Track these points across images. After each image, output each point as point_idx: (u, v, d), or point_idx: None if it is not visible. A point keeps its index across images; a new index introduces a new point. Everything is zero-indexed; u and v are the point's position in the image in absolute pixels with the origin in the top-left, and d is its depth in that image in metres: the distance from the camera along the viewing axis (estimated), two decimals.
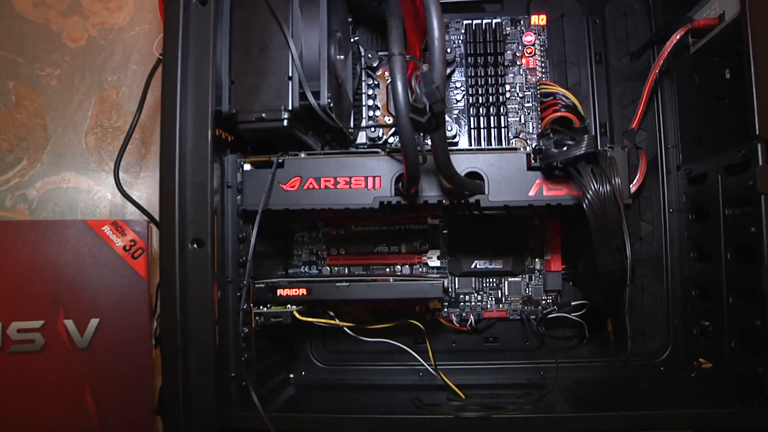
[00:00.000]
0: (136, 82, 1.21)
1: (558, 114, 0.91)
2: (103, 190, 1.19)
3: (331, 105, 0.74)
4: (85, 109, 1.20)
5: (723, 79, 0.92)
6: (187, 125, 0.71)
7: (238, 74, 0.74)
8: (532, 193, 0.75)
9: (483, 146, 0.91)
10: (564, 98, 0.91)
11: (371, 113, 0.97)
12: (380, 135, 0.95)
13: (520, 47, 0.97)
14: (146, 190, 1.18)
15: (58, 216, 1.17)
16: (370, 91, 0.97)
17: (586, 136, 0.69)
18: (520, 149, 0.76)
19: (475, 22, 0.96)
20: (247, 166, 0.80)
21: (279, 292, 0.83)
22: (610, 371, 0.93)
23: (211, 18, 0.71)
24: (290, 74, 0.73)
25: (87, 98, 1.20)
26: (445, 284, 0.80)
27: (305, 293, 0.82)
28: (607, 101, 0.97)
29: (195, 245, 0.70)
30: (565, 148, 0.70)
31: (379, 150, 0.78)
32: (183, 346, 0.71)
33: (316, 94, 0.73)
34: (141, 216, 1.04)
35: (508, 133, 0.92)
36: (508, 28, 0.97)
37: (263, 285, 0.82)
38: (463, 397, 0.86)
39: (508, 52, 0.96)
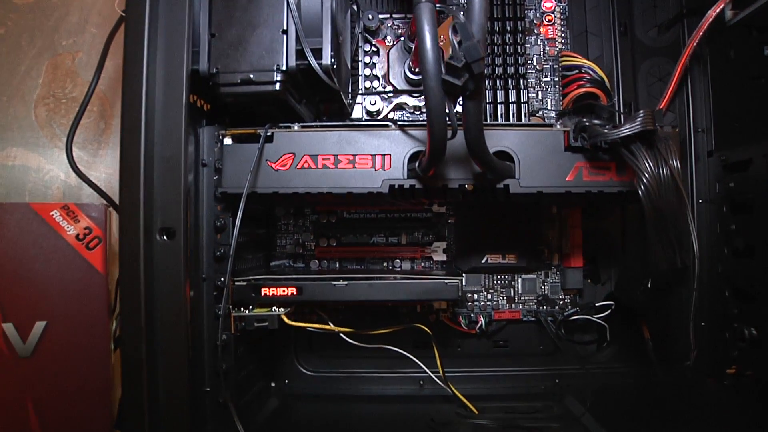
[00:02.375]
0: (96, 47, 1.06)
1: (584, 89, 0.80)
2: (55, 169, 1.04)
3: (335, 66, 0.62)
4: (34, 77, 1.04)
5: (761, 57, 0.83)
6: (155, 87, 0.57)
7: (221, 25, 0.61)
8: (570, 177, 0.64)
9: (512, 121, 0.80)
10: (591, 71, 0.80)
11: (368, 84, 0.84)
12: (380, 109, 0.82)
13: (538, 14, 0.86)
14: (105, 169, 1.03)
15: (2, 198, 1.02)
16: (368, 59, 0.85)
17: (641, 111, 0.58)
18: (556, 125, 0.65)
19: None
20: (227, 140, 0.66)
21: (263, 291, 0.70)
22: (631, 378, 0.83)
23: None
24: (285, 26, 0.60)
25: (37, 64, 1.04)
26: (462, 284, 0.69)
27: (295, 293, 0.69)
28: (632, 78, 0.87)
29: (164, 236, 0.57)
30: (610, 126, 0.58)
31: (389, 123, 0.65)
32: (149, 356, 0.58)
33: (317, 53, 0.60)
34: (99, 199, 0.90)
35: (528, 109, 0.81)
36: None
37: (244, 283, 0.70)
38: (476, 412, 0.75)
39: (526, 19, 0.84)
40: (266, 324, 0.69)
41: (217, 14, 0.61)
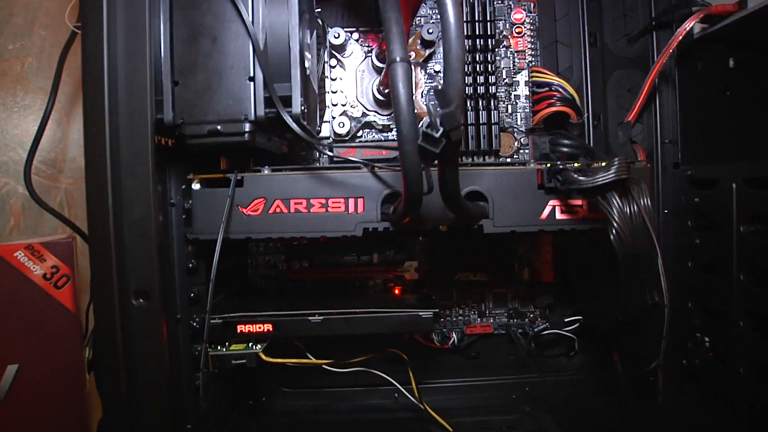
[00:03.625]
0: (46, 50, 1.00)
1: (554, 109, 0.79)
2: (12, 182, 1.00)
3: (305, 110, 0.60)
4: None
5: (727, 69, 0.84)
6: (119, 143, 0.55)
7: (184, 72, 0.58)
8: (543, 216, 0.64)
9: (483, 159, 0.80)
10: (560, 89, 0.80)
11: (335, 101, 0.82)
12: (349, 129, 0.81)
13: (507, 25, 0.84)
14: (66, 180, 1.00)
15: None
16: (335, 74, 0.82)
17: (616, 159, 0.58)
18: (530, 164, 0.65)
19: None
20: (196, 185, 0.65)
21: (239, 328, 0.70)
22: (598, 385, 0.86)
23: (145, 2, 0.55)
24: (252, 73, 0.58)
25: None
26: (436, 314, 0.70)
27: (271, 329, 0.70)
28: (602, 89, 0.86)
29: (140, 299, 0.56)
30: (588, 174, 0.59)
31: (361, 164, 0.64)
32: (129, 396, 0.57)
33: (286, 100, 0.59)
34: (60, 225, 0.88)
35: (497, 128, 0.80)
36: (495, 3, 0.83)
37: (219, 321, 0.69)
38: (451, 430, 0.77)
39: (495, 23, 0.83)
40: (244, 361, 0.69)
41: (180, 60, 0.58)
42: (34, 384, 0.72)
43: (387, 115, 0.82)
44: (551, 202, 0.64)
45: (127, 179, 0.55)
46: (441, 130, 0.48)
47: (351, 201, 0.64)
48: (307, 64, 0.64)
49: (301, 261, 0.85)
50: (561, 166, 0.61)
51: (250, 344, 0.71)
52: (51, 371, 0.72)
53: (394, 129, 0.78)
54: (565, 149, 0.80)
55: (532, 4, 0.84)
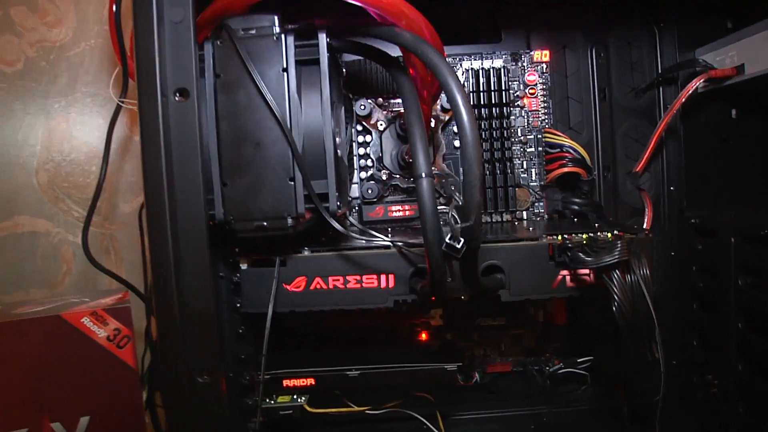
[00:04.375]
0: (87, 106, 1.08)
1: (565, 170, 0.86)
2: (63, 232, 1.09)
3: (340, 204, 0.67)
4: (32, 144, 1.07)
5: (729, 119, 0.89)
6: (179, 243, 0.63)
7: (231, 174, 0.65)
8: (554, 285, 0.71)
9: (501, 218, 0.88)
10: (571, 150, 0.86)
11: (363, 166, 0.89)
12: (377, 192, 0.88)
13: (522, 86, 0.90)
14: (112, 226, 1.09)
15: (15, 266, 1.07)
16: (361, 138, 0.89)
17: (618, 242, 0.65)
18: (542, 239, 0.72)
19: (474, 64, 0.88)
20: (243, 265, 0.72)
21: (285, 383, 0.78)
22: (609, 414, 0.94)
23: (195, 114, 0.62)
24: (292, 174, 0.65)
25: (32, 130, 1.07)
26: (460, 365, 0.78)
27: (313, 383, 0.78)
28: (611, 141, 0.92)
29: (205, 377, 0.64)
30: (592, 254, 0.66)
31: (390, 244, 0.71)
32: None
33: (323, 196, 0.66)
34: (113, 283, 0.97)
35: (513, 181, 0.87)
36: (509, 65, 0.89)
37: (268, 377, 0.78)
38: None
39: (510, 91, 0.89)
40: (290, 412, 0.78)
41: (227, 163, 0.65)
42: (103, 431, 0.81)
43: (409, 180, 0.88)
44: (562, 272, 0.71)
45: (187, 275, 0.63)
46: (462, 241, 0.55)
47: (383, 277, 0.71)
48: (337, 140, 0.72)
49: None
50: (570, 245, 0.68)
51: (294, 396, 0.79)
52: (116, 419, 0.81)
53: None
54: (575, 207, 0.87)
55: (544, 65, 0.90)
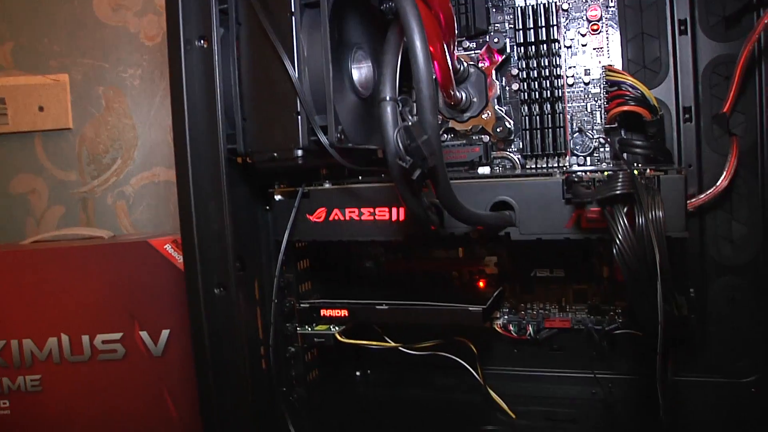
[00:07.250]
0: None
1: (624, 108, 0.78)
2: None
3: (342, 137, 0.70)
4: (167, 106, 1.25)
5: None
6: (200, 169, 0.72)
7: (251, 110, 0.72)
8: (568, 225, 0.67)
9: (557, 161, 0.85)
10: (631, 88, 0.78)
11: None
12: None
13: (585, 23, 0.84)
14: None
15: (153, 209, 1.27)
16: None
17: (621, 173, 0.59)
18: (556, 174, 0.67)
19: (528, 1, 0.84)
20: (278, 197, 0.79)
21: (322, 312, 0.83)
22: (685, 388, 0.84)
23: (214, 58, 0.70)
24: (298, 109, 0.69)
25: (167, 95, 1.24)
26: (487, 307, 0.76)
27: (347, 314, 0.82)
28: (693, 80, 0.82)
29: (221, 289, 0.72)
30: (593, 187, 0.60)
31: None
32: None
33: (326, 129, 0.69)
34: None
35: (564, 134, 0.81)
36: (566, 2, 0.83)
37: (307, 305, 0.84)
38: (513, 417, 0.83)
39: (571, 30, 0.83)
40: (323, 340, 0.84)
41: (247, 101, 0.72)
42: (180, 343, 0.94)
43: (463, 121, 0.87)
44: (575, 212, 0.66)
45: (210, 201, 0.71)
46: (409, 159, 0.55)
47: (394, 210, 0.73)
48: (355, 78, 0.75)
49: (397, 253, 0.96)
50: (575, 179, 0.63)
51: (331, 327, 0.84)
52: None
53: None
54: (638, 150, 0.78)
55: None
